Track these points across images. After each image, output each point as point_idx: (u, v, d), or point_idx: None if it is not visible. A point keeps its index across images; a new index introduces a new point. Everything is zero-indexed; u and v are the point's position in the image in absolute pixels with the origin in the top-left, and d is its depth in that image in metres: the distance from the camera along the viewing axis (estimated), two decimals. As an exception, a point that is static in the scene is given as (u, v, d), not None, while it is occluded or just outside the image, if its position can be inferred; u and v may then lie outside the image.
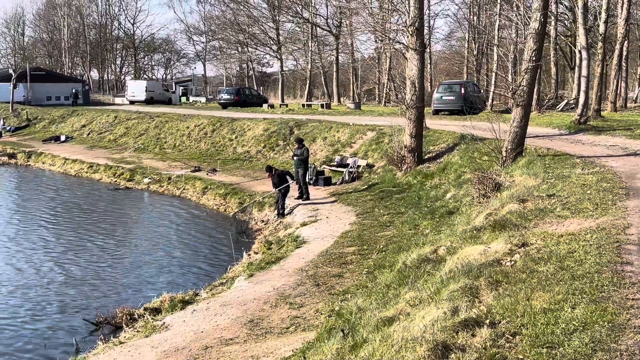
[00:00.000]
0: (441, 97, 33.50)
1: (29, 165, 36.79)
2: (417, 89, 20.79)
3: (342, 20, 54.00)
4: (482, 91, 37.60)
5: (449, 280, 7.37)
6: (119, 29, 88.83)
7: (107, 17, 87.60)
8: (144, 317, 11.49)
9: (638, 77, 52.98)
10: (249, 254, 15.98)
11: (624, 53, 36.38)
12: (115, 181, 29.46)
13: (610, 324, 5.23)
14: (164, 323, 10.59)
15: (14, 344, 11.33)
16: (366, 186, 21.35)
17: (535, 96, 26.34)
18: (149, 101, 57.19)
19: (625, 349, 4.82)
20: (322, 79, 60.20)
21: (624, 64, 37.36)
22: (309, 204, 19.73)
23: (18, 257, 17.16)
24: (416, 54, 20.48)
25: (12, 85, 52.60)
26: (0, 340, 11.50)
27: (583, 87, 25.76)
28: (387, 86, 53.55)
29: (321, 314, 9.78)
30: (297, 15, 56.55)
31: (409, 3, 20.37)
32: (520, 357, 4.91)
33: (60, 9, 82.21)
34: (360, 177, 22.87)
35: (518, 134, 16.03)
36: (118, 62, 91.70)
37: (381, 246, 13.85)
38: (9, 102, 52.59)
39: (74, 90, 57.83)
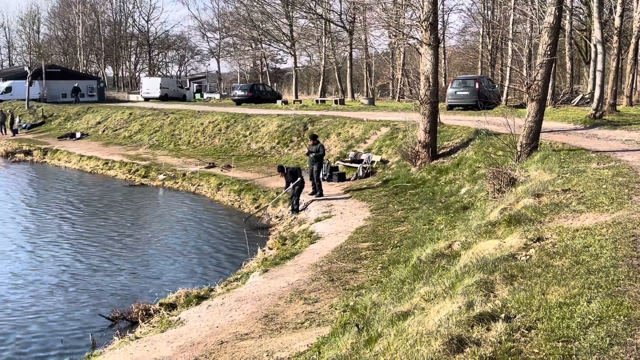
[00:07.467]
0: (455, 92, 33.42)
1: (45, 162, 37.09)
2: (431, 84, 20.72)
3: (356, 16, 53.97)
4: (496, 86, 37.42)
5: (464, 274, 7.36)
6: (133, 26, 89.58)
7: (121, 14, 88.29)
8: (159, 312, 11.57)
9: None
10: (264, 250, 16.00)
11: (640, 47, 36.02)
12: (131, 177, 29.61)
13: (626, 318, 5.20)
14: (179, 318, 10.65)
15: (30, 339, 11.43)
16: (380, 182, 21.32)
17: (550, 91, 26.17)
18: (164, 98, 57.38)
19: (642, 343, 4.80)
20: (336, 75, 60.19)
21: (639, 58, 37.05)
22: (323, 199, 19.74)
23: (34, 253, 17.32)
24: (430, 49, 20.41)
25: (27, 83, 53.00)
26: (16, 336, 11.60)
27: (598, 82, 25.58)
28: (401, 81, 53.35)
29: (336, 309, 9.79)
30: (311, 11, 56.59)
31: (422, -2, 20.30)
32: (536, 351, 4.90)
33: (75, 7, 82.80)
34: (374, 173, 22.83)
35: (533, 128, 15.93)
36: (132, 59, 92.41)
37: (395, 241, 13.84)
38: (24, 100, 53.02)
39: (75, 84, 57.30)
